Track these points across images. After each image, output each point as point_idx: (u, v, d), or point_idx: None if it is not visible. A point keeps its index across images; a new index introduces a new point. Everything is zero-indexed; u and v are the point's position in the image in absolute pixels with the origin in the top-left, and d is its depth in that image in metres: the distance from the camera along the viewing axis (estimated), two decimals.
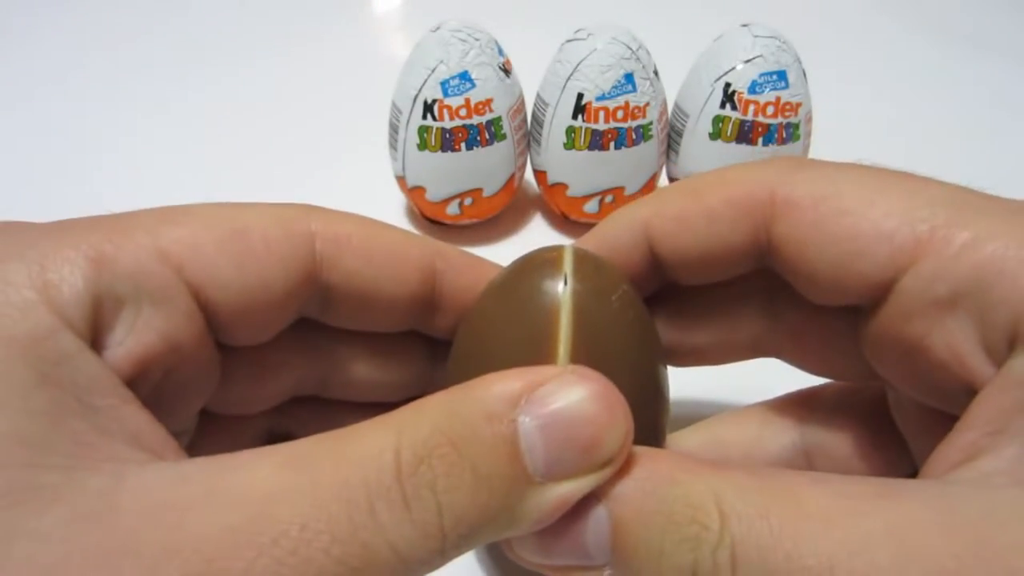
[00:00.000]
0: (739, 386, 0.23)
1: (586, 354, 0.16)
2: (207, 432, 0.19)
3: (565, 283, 0.17)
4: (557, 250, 0.18)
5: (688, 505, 0.13)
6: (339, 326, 0.19)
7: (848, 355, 0.18)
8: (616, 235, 0.19)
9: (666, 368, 0.19)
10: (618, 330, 0.17)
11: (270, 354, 0.19)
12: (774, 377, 0.21)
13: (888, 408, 0.19)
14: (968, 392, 0.14)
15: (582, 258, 0.17)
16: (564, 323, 0.16)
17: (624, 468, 0.13)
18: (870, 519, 0.12)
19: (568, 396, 0.13)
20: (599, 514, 0.13)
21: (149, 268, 0.15)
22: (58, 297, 0.14)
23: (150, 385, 0.15)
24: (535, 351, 0.16)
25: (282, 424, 0.21)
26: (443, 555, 0.13)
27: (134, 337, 0.15)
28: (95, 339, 0.14)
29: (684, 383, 0.19)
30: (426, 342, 0.20)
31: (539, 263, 0.18)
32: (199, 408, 0.18)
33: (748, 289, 0.20)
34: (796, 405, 0.21)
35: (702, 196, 0.18)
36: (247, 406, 0.19)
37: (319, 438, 0.13)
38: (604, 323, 0.17)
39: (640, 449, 0.14)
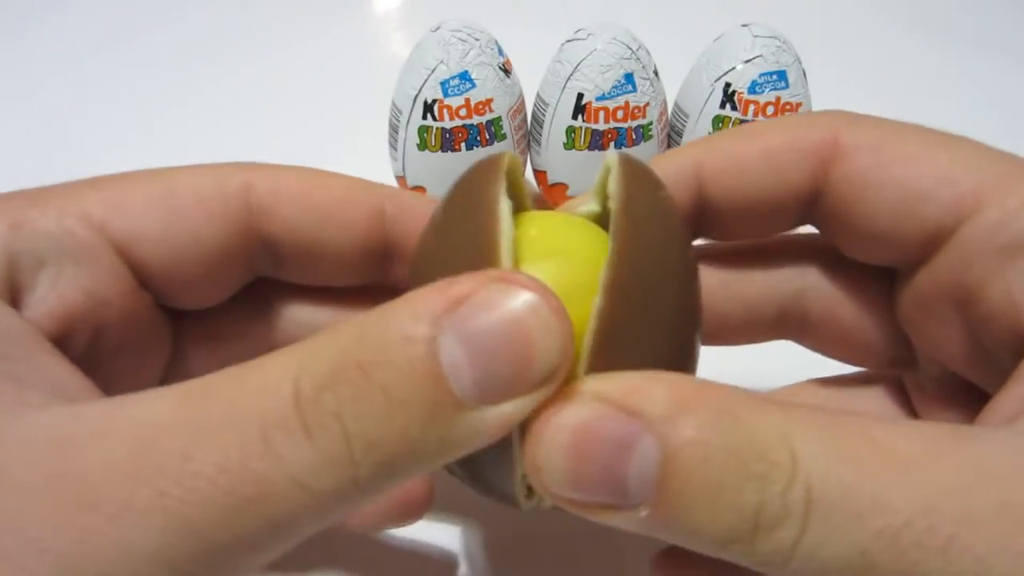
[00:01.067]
0: (753, 377, 0.23)
1: (632, 245, 0.14)
2: None
3: (504, 185, 0.15)
4: (499, 154, 0.16)
5: (754, 442, 0.11)
6: (293, 281, 0.19)
7: (877, 330, 0.18)
8: (664, 174, 0.17)
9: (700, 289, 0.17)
10: (665, 227, 0.15)
11: (226, 322, 0.18)
12: (787, 371, 0.21)
13: (907, 396, 0.19)
14: (1017, 350, 0.14)
15: (627, 158, 0.16)
16: (505, 226, 0.14)
17: (680, 398, 0.12)
18: (956, 462, 0.11)
19: (493, 306, 0.11)
20: (647, 446, 0.12)
21: (69, 227, 0.15)
22: None
23: (81, 343, 0.15)
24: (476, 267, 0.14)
25: None
26: (360, 487, 0.12)
27: (55, 294, 0.15)
28: (14, 297, 0.15)
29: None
30: (393, 297, 0.20)
31: (471, 171, 0.16)
32: (154, 380, 0.18)
33: (781, 256, 0.19)
34: (812, 393, 0.21)
35: (761, 136, 0.17)
36: None
37: (224, 372, 0.12)
38: (651, 215, 0.15)
39: (695, 379, 0.12)
